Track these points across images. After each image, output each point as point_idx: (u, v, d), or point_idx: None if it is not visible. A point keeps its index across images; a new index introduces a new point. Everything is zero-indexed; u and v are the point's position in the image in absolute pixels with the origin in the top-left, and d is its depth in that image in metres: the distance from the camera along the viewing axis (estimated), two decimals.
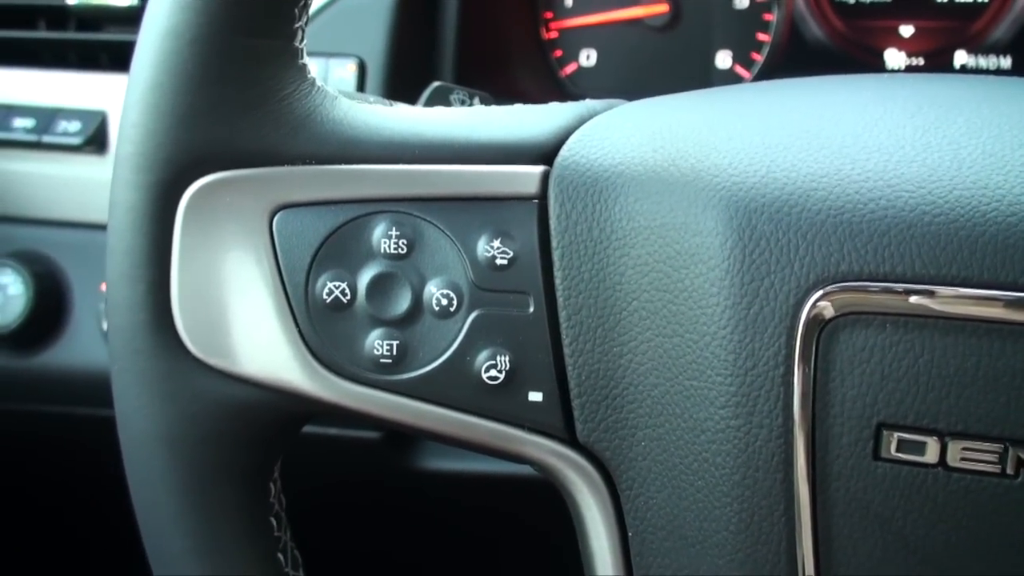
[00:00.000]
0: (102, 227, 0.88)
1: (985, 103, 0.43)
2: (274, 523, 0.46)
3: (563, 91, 1.05)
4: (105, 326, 0.86)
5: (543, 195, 0.43)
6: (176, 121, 0.42)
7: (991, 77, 0.47)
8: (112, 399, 0.45)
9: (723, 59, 1.03)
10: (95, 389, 0.82)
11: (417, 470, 0.87)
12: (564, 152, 0.44)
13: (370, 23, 0.84)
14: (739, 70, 1.02)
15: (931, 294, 0.37)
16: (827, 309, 0.38)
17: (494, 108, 0.47)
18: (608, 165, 0.43)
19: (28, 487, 1.09)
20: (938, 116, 0.41)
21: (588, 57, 1.05)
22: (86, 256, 0.89)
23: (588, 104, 0.47)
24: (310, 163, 0.43)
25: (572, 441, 0.43)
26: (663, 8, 1.01)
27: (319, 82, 0.45)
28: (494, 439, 0.44)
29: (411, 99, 0.84)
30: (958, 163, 0.39)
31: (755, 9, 1.02)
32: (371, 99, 0.62)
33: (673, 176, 0.42)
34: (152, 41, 0.42)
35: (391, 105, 0.60)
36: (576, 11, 1.04)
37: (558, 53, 1.05)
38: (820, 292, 0.38)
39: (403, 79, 0.86)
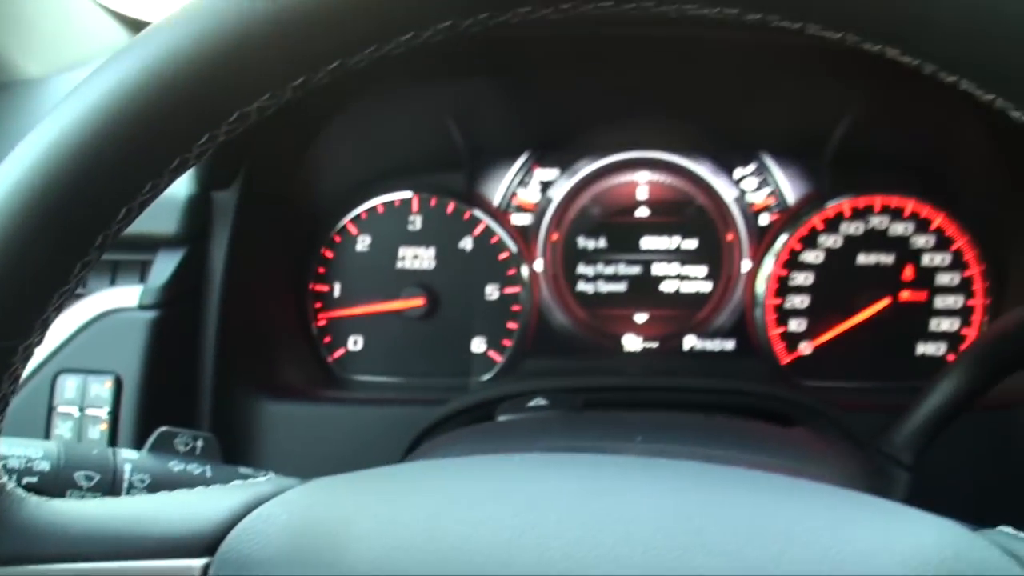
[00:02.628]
0: None
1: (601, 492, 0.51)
2: None
3: (330, 375, 1.12)
4: None
5: None
6: None
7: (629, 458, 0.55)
8: None
9: (478, 344, 1.12)
10: None
11: None
12: (223, 547, 0.49)
13: (127, 342, 0.89)
14: (492, 355, 1.12)
15: None
16: None
17: (168, 496, 0.52)
18: (262, 559, 0.48)
19: None
20: (544, 504, 0.49)
21: (355, 343, 1.13)
22: None
23: (257, 490, 0.53)
24: None
25: None
26: (420, 302, 1.10)
27: (9, 486, 0.50)
28: None
29: (173, 410, 0.89)
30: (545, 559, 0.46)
31: (505, 300, 1.12)
32: (94, 451, 0.67)
33: (319, 572, 0.48)
34: None
35: (113, 457, 0.65)
36: (343, 303, 1.12)
37: (327, 340, 1.13)
38: None
39: (162, 392, 0.91)
